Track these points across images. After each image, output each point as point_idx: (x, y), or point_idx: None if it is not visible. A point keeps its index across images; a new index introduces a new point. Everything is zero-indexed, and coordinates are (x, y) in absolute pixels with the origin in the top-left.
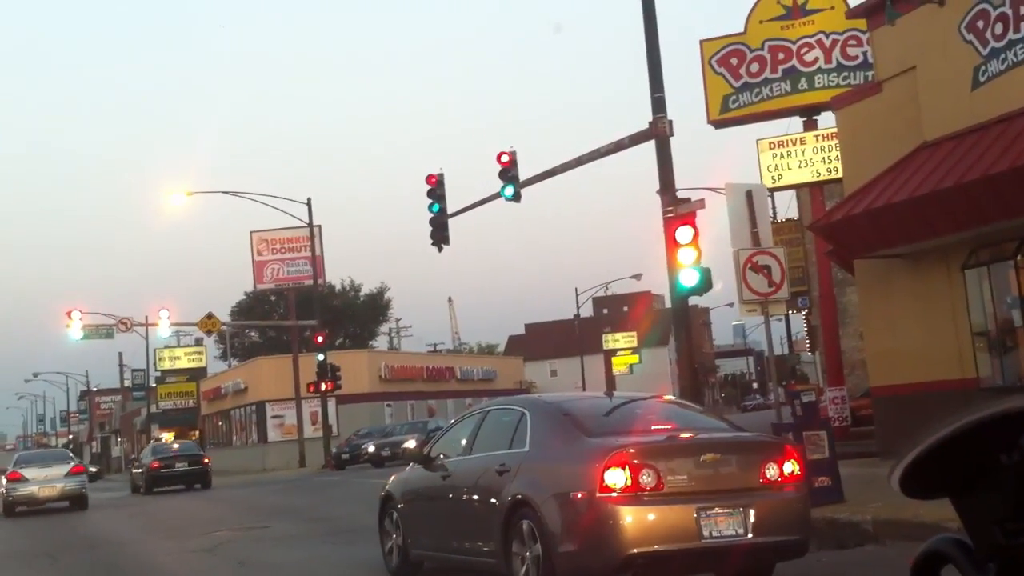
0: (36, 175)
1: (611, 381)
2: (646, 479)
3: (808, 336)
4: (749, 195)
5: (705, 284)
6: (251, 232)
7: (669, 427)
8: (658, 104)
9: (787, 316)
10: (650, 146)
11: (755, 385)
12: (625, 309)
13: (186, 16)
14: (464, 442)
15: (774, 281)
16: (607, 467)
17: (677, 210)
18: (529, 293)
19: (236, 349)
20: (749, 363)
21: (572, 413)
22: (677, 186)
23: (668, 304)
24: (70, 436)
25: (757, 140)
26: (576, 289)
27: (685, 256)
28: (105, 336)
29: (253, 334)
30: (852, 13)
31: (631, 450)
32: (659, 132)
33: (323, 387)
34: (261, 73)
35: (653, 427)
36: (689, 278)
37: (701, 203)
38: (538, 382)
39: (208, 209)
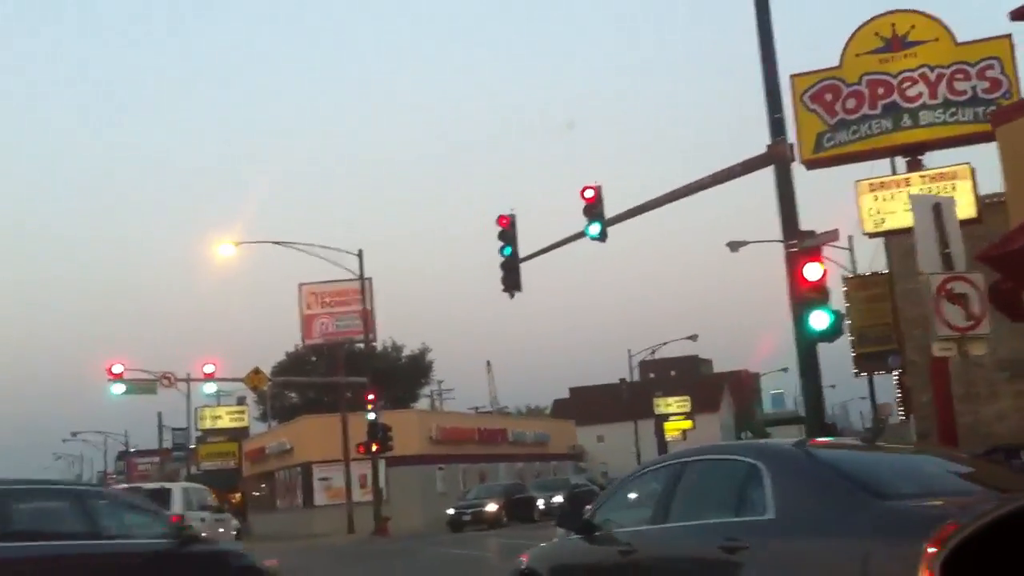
0: (76, 224)
1: (663, 447)
2: None
3: (901, 398)
4: (937, 209)
5: (837, 328)
6: (300, 284)
7: (982, 488)
8: (777, 126)
9: (870, 378)
10: (700, 199)
11: None
12: (673, 373)
13: (233, 61)
14: (653, 505)
15: (973, 313)
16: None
17: (803, 244)
18: (571, 356)
19: (275, 410)
20: (801, 432)
21: (842, 466)
22: (757, 235)
23: (716, 368)
24: None
25: (856, 181)
26: (629, 351)
27: (814, 296)
28: (147, 391)
29: (293, 395)
30: (1018, 14)
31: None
32: (779, 156)
33: (373, 448)
34: (310, 122)
35: (962, 488)
36: (819, 321)
37: (833, 235)
38: (586, 448)
39: (252, 263)
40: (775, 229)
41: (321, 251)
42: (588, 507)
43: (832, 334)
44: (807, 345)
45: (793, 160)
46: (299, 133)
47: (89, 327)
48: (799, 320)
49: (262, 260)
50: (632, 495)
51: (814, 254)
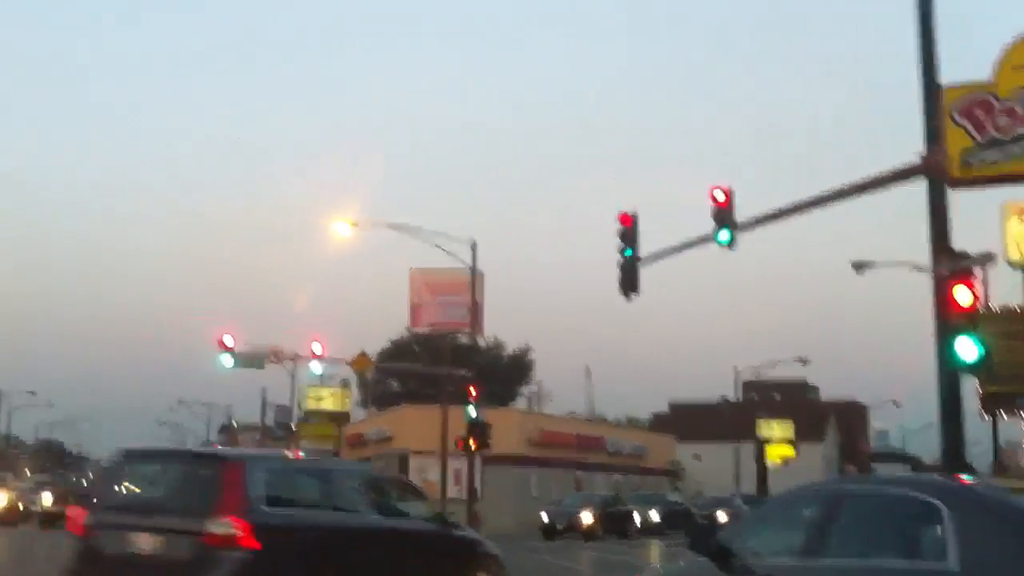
0: (198, 197)
1: (763, 473)
2: None
3: None
4: None
5: (987, 359)
6: (411, 269)
7: None
8: (933, 133)
9: (994, 419)
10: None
11: None
12: (777, 397)
13: (357, 44)
14: (803, 536)
15: None
16: None
17: (954, 266)
18: (672, 368)
19: (375, 397)
20: (908, 470)
21: None
22: (880, 255)
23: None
24: None
25: (1003, 204)
26: (735, 368)
27: (963, 323)
28: (255, 365)
29: (394, 383)
30: None
31: None
32: (934, 167)
33: (472, 444)
34: (432, 107)
35: None
36: (968, 350)
37: (989, 257)
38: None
39: (363, 246)
40: (902, 251)
41: (435, 238)
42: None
43: (980, 366)
44: (952, 376)
45: (948, 173)
46: (420, 118)
47: (202, 298)
48: (945, 349)
49: (373, 243)
50: (778, 523)
51: (966, 277)
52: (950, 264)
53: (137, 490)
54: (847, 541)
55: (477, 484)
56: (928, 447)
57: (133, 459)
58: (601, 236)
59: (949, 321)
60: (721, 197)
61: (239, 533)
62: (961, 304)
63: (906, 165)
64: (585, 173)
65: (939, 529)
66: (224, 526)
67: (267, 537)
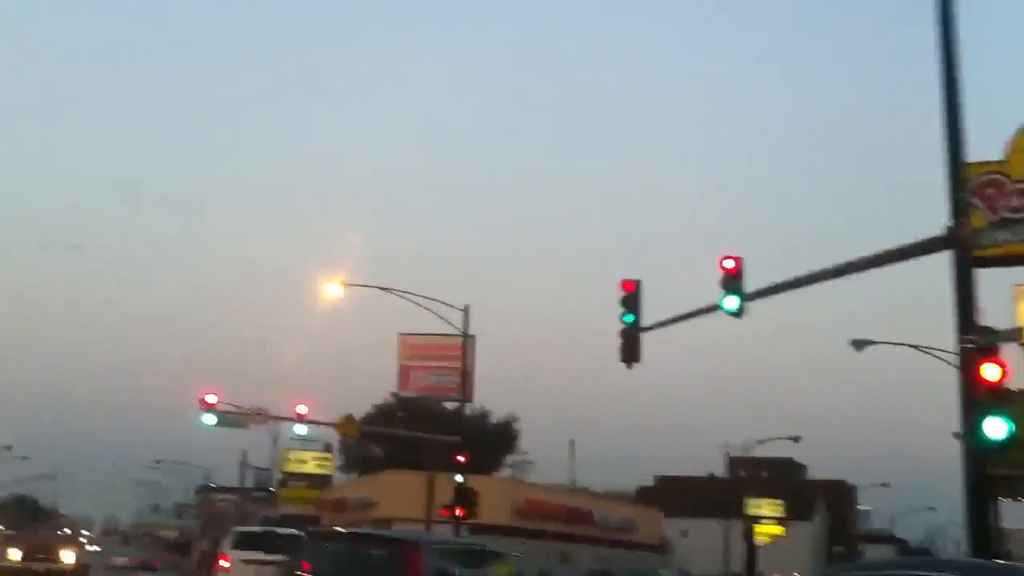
0: (185, 250)
1: (752, 551)
2: None
3: None
4: None
5: (1015, 437)
6: (400, 335)
7: None
8: (959, 206)
9: (996, 504)
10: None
11: None
12: (764, 474)
13: (349, 92)
14: None
15: None
16: None
17: (981, 340)
18: (655, 440)
19: (356, 461)
20: (895, 552)
21: None
22: (876, 334)
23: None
24: (177, 531)
25: (1015, 285)
26: (727, 449)
27: (991, 400)
28: (238, 425)
29: (376, 448)
30: None
31: None
32: (962, 239)
33: (458, 512)
34: (430, 169)
35: None
36: (996, 429)
37: (1016, 333)
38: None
39: (351, 307)
40: (899, 330)
41: (426, 302)
42: None
43: (1009, 445)
44: (978, 455)
45: (976, 247)
46: (414, 181)
47: (186, 357)
48: (972, 427)
49: (361, 305)
50: None
51: (992, 353)
52: (978, 339)
53: (322, 566)
54: None
55: None
56: (911, 530)
57: (319, 539)
58: (594, 305)
59: (976, 398)
60: (731, 264)
61: None
62: (990, 380)
63: (931, 237)
64: (584, 240)
65: None
66: None
67: None
